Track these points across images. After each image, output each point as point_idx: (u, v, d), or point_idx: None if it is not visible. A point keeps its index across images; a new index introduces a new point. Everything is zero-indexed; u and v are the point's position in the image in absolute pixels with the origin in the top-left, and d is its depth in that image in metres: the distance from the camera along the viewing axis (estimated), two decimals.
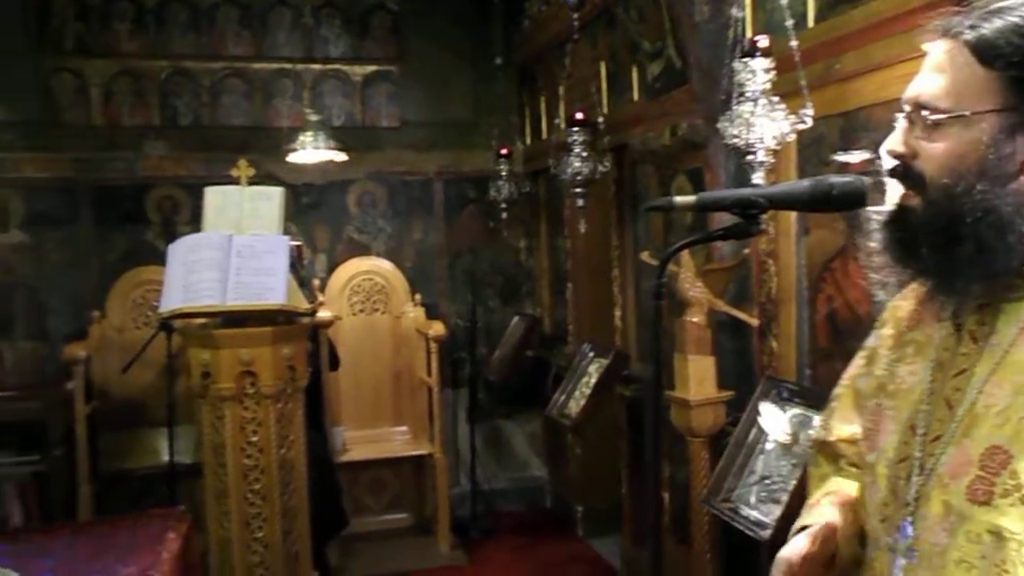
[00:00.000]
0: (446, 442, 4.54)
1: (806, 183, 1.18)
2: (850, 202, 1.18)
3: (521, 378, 4.88)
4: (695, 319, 2.66)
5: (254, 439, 3.22)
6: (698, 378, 2.67)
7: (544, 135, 4.74)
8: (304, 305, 3.49)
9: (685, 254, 2.70)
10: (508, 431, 5.22)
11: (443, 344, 4.34)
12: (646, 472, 3.50)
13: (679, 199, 1.23)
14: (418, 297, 4.68)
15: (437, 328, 4.29)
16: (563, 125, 3.85)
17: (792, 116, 2.27)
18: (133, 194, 4.75)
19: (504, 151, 4.67)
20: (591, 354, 4.10)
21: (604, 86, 3.77)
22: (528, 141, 5.09)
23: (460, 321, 4.94)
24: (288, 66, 4.90)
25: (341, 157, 4.45)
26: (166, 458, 3.90)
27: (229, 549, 3.21)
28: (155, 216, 4.80)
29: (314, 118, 4.35)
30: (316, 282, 4.45)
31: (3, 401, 4.35)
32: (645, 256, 2.99)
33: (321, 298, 4.12)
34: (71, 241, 4.70)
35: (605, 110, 3.74)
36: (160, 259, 4.51)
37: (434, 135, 5.07)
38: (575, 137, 3.53)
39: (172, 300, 3.26)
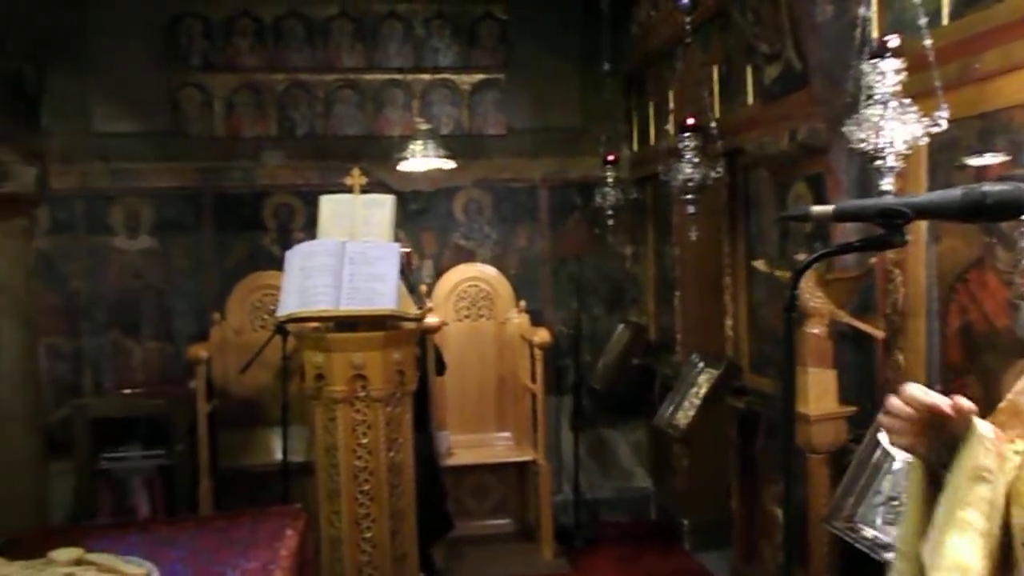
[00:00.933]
0: (549, 449, 4.53)
1: (957, 192, 1.11)
2: (1006, 212, 1.10)
3: (626, 386, 4.82)
4: (815, 330, 2.56)
5: (364, 441, 3.30)
6: (818, 392, 2.57)
7: (652, 141, 4.68)
8: (413, 311, 3.55)
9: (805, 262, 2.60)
10: (612, 440, 5.17)
11: (547, 351, 4.33)
12: (786, 494, 3.37)
13: (816, 209, 1.18)
14: (523, 304, 4.69)
15: (542, 335, 4.29)
16: (673, 130, 3.79)
17: (925, 119, 2.16)
18: (251, 202, 4.95)
19: (611, 157, 4.62)
20: (700, 364, 4.01)
21: (716, 90, 3.69)
22: (635, 147, 5.03)
23: (564, 328, 4.92)
24: (398, 76, 5.02)
25: (450, 165, 4.52)
26: (279, 456, 4.02)
27: (340, 548, 3.30)
28: (272, 223, 4.98)
29: (424, 127, 4.43)
30: (423, 288, 4.53)
31: (133, 397, 4.57)
32: (759, 264, 2.90)
33: (430, 304, 4.18)
34: (194, 247, 4.92)
35: (717, 115, 3.65)
36: (276, 264, 4.71)
37: (540, 142, 5.08)
38: (686, 143, 3.46)
39: (289, 304, 3.37)
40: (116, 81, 4.76)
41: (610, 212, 4.60)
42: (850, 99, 2.32)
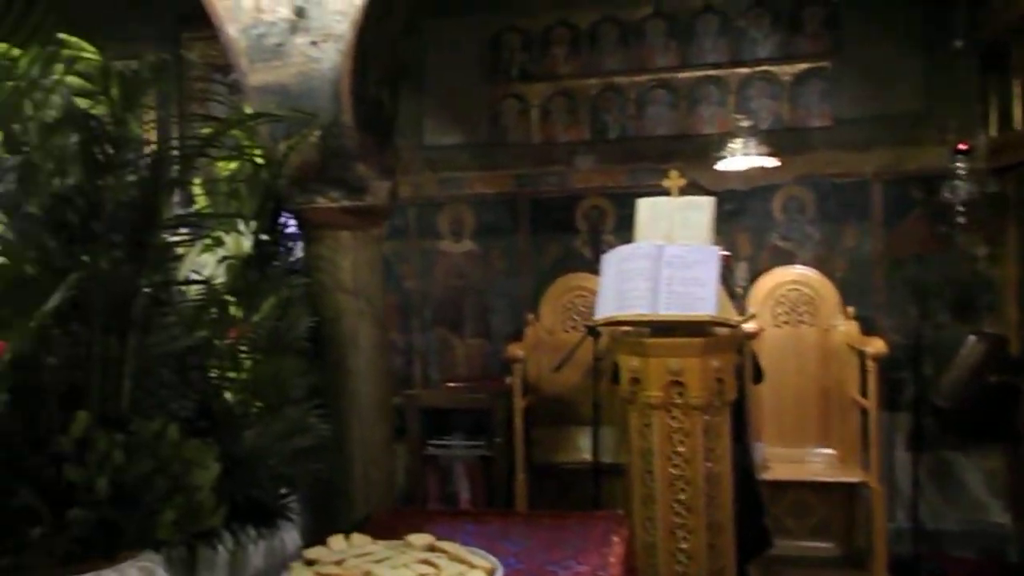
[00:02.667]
0: (881, 471, 4.10)
1: None
2: None
3: (980, 406, 4.21)
4: None
5: (681, 449, 3.23)
6: None
7: (1017, 124, 4.03)
8: (735, 317, 3.40)
9: None
10: (959, 466, 4.55)
11: (881, 362, 3.93)
12: None
13: None
14: (850, 309, 4.31)
15: (877, 345, 3.90)
16: None
17: None
18: (564, 205, 5.07)
19: (963, 146, 4.07)
20: None
21: None
22: (994, 133, 4.37)
23: (899, 337, 4.43)
24: (713, 72, 4.84)
25: (772, 163, 4.27)
26: (587, 455, 4.08)
27: (654, 555, 3.26)
28: (583, 225, 5.06)
29: (745, 124, 4.23)
30: (738, 290, 4.34)
31: (456, 391, 4.90)
32: None
33: (752, 310, 3.98)
34: (510, 249, 5.16)
35: None
36: (587, 266, 4.81)
37: (872, 133, 4.61)
38: None
39: (606, 307, 3.39)
40: (445, 98, 5.14)
41: (960, 208, 4.05)
42: None
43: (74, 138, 1.62)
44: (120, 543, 1.55)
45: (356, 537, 2.11)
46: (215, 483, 1.66)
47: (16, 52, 1.66)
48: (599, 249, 4.72)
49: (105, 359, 1.59)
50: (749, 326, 3.93)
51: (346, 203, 2.75)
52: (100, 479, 1.48)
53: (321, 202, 2.74)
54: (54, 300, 1.46)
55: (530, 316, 4.80)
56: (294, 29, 2.63)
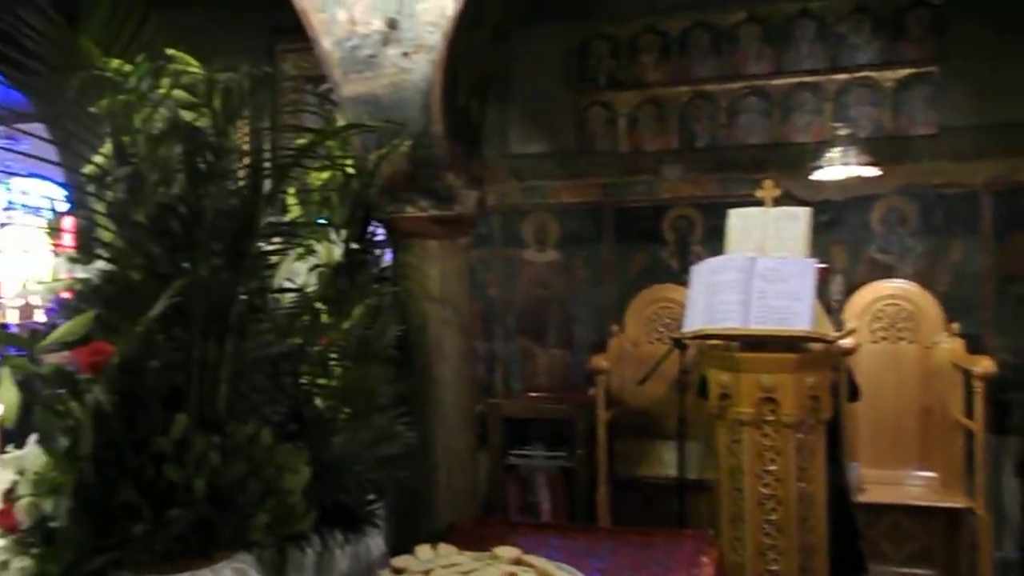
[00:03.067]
0: (987, 497, 3.88)
1: None
2: None
3: None
4: None
5: (772, 468, 3.13)
6: None
7: None
8: (831, 333, 3.28)
9: None
10: None
11: (989, 383, 3.72)
12: None
13: None
14: (955, 326, 4.09)
15: (984, 365, 3.69)
16: None
17: None
18: (650, 215, 4.98)
19: None
20: None
21: None
22: None
23: (1009, 357, 4.18)
24: (809, 79, 4.67)
25: (872, 172, 4.09)
26: (671, 470, 3.99)
27: None
28: (670, 235, 4.96)
29: (843, 132, 4.07)
30: (833, 304, 4.19)
31: (538, 400, 4.87)
32: None
33: (851, 325, 3.82)
34: (594, 259, 5.10)
35: None
36: (673, 277, 4.72)
37: (982, 141, 4.35)
38: None
39: (695, 321, 3.31)
40: (531, 106, 5.13)
41: None
42: None
43: (178, 149, 1.67)
44: (216, 543, 1.58)
45: (443, 547, 2.10)
46: (305, 487, 1.68)
47: (127, 68, 1.72)
48: (687, 260, 4.63)
49: (203, 363, 1.63)
50: (846, 342, 3.78)
51: (435, 212, 2.76)
52: (198, 479, 1.51)
53: (410, 211, 2.76)
54: (159, 306, 1.51)
55: (614, 327, 4.74)
56: (386, 41, 2.66)
